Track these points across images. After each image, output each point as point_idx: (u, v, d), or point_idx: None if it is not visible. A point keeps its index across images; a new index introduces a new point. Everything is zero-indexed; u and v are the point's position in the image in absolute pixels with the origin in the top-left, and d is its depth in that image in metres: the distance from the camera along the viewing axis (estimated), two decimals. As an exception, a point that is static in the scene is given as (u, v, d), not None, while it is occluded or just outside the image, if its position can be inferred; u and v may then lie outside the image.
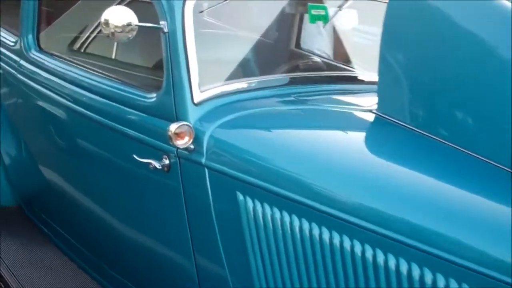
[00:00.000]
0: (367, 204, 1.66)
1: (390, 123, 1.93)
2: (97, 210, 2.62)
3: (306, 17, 2.73)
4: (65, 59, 2.74)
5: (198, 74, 2.07)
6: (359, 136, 2.03)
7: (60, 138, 2.77)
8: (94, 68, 2.54)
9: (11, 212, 3.29)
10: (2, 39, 3.15)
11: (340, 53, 2.80)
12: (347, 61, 2.73)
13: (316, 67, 2.55)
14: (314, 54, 2.69)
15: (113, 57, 2.75)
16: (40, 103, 2.82)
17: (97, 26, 2.81)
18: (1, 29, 3.23)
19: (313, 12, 2.36)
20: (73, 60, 2.69)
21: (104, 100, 2.36)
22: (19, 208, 3.32)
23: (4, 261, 2.87)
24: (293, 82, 2.37)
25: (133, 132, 2.22)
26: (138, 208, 2.37)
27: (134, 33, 2.00)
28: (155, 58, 2.36)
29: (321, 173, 1.80)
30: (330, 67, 2.68)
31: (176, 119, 2.05)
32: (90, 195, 2.66)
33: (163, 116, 2.10)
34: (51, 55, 2.81)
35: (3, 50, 3.11)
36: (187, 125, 1.98)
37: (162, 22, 2.09)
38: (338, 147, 1.90)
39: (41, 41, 2.90)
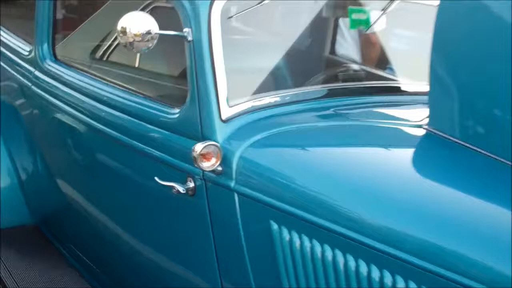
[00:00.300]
0: (424, 240, 1.46)
1: (444, 140, 1.75)
2: (117, 233, 2.49)
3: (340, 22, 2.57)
4: (81, 69, 2.62)
5: (226, 87, 1.91)
6: (411, 157, 1.84)
7: (79, 155, 2.66)
8: (113, 80, 2.41)
9: (29, 231, 3.21)
10: (16, 47, 3.06)
11: (373, 59, 2.61)
12: (383, 68, 2.55)
13: (355, 77, 2.36)
14: (353, 61, 2.49)
15: (136, 66, 2.60)
16: (56, 116, 2.71)
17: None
18: (15, 36, 3.15)
19: (354, 16, 2.19)
20: (90, 71, 2.57)
21: (123, 116, 2.22)
22: (37, 228, 3.22)
23: (18, 284, 2.77)
24: (331, 93, 2.19)
25: (155, 151, 2.07)
26: (162, 232, 2.23)
27: (155, 42, 1.86)
28: (180, 68, 2.20)
29: (368, 203, 1.60)
30: (371, 76, 2.48)
31: (202, 137, 1.90)
32: (109, 216, 2.53)
33: (188, 134, 1.95)
34: (67, 66, 2.69)
35: (17, 59, 3.02)
36: (214, 145, 1.82)
37: (186, 30, 1.94)
38: (389, 171, 1.70)
39: (57, 50, 2.78)
